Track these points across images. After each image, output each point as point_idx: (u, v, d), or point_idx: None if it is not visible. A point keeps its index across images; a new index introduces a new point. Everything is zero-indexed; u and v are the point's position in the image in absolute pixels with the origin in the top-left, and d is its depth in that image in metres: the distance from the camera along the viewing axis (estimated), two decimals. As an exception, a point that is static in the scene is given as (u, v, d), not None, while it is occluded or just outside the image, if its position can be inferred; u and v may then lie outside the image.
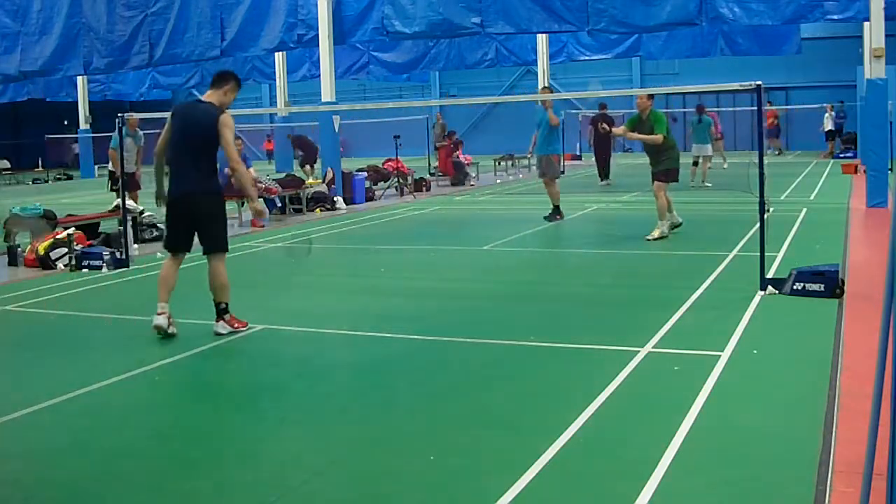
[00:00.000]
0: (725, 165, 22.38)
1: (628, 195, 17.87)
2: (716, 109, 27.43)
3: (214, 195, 6.89)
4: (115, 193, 14.08)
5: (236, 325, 6.92)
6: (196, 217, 6.81)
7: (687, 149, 19.38)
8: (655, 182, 11.29)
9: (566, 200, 12.86)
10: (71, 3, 19.86)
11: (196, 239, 6.93)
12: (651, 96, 11.62)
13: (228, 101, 6.94)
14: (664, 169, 11.24)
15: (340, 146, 19.26)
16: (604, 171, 21.22)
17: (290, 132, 23.43)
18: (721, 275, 8.70)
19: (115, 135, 14.06)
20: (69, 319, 7.92)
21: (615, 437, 4.41)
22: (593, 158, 22.04)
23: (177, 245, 6.93)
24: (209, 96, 6.89)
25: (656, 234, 11.22)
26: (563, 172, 16.18)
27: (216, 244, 6.85)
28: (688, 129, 23.21)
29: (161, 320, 6.73)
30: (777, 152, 30.86)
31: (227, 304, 6.89)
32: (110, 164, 14.33)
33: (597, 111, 23.03)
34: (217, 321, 6.86)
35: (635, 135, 11.54)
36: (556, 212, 13.63)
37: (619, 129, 11.89)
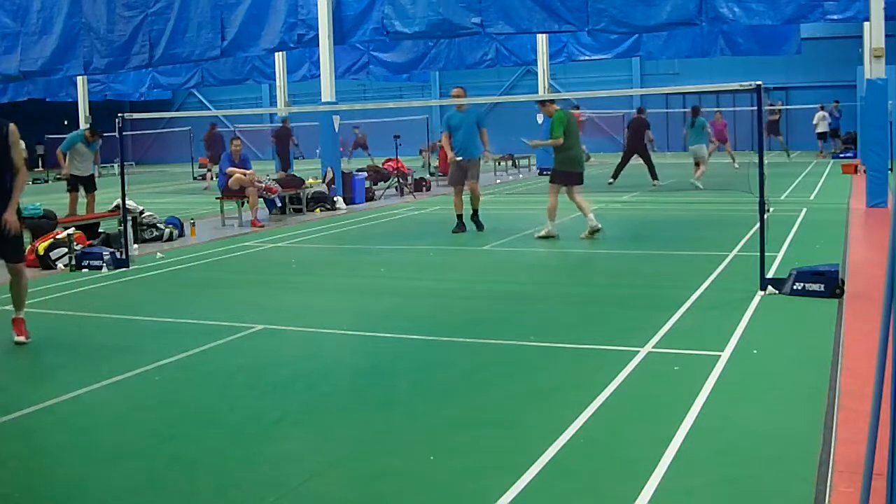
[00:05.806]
0: (736, 165, 22.34)
1: (628, 195, 17.88)
2: (716, 109, 27.40)
3: None
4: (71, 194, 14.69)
5: None
6: None
7: (684, 149, 19.36)
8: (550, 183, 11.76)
9: (562, 201, 12.56)
10: (71, 3, 19.86)
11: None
12: (552, 101, 11.98)
13: None
14: (555, 170, 11.69)
15: (341, 146, 19.24)
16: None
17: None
18: (721, 275, 8.70)
19: (68, 137, 14.85)
20: (69, 319, 7.91)
21: (615, 436, 4.41)
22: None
23: None
24: None
25: (543, 232, 11.58)
26: None
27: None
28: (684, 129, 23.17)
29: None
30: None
31: None
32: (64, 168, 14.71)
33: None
34: None
35: (537, 142, 12.64)
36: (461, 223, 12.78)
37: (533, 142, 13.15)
